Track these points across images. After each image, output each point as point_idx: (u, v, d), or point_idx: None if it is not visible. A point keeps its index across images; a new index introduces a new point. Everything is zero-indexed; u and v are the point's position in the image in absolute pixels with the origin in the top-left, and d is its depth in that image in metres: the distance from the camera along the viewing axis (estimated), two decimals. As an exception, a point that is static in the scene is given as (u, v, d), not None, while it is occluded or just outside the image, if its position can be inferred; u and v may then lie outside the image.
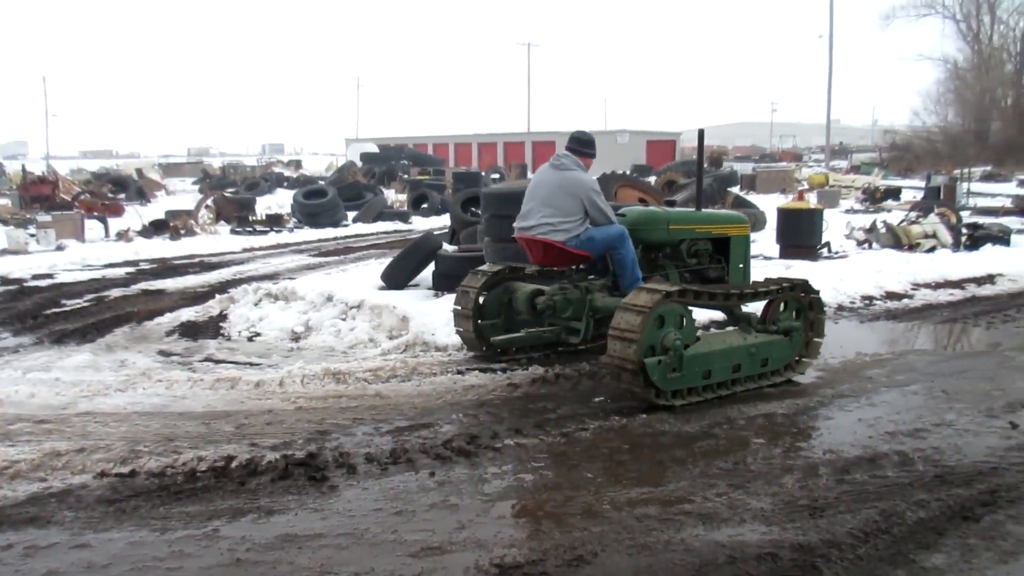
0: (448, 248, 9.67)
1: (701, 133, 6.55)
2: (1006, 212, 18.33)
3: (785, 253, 11.81)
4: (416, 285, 9.22)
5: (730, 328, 6.04)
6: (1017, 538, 3.42)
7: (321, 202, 18.18)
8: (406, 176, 30.54)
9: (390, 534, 3.44)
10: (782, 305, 5.92)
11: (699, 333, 5.51)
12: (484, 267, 6.70)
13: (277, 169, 45.38)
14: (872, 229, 13.17)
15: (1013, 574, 3.17)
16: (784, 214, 12.34)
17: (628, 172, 26.64)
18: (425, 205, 21.47)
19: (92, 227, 16.30)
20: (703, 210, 6.72)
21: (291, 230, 17.61)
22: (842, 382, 5.82)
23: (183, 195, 30.09)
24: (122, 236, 15.41)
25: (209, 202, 19.62)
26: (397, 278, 9.10)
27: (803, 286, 5.93)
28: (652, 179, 24.80)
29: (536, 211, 5.98)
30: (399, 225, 18.73)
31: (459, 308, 6.44)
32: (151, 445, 4.50)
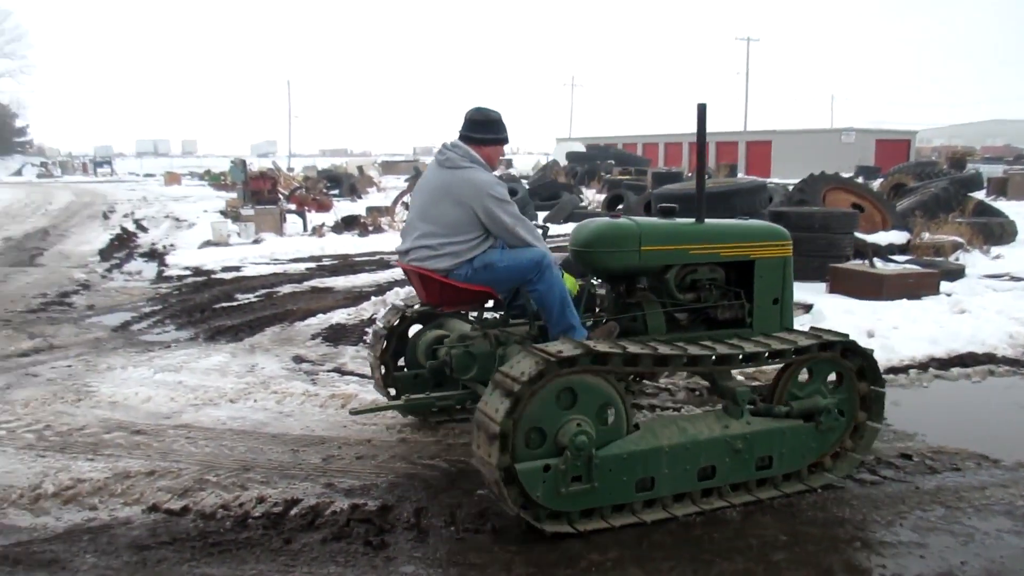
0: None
1: (701, 109, 4.21)
2: None
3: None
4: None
5: (704, 409, 4.20)
6: None
7: (510, 201, 17.79)
8: (607, 176, 29.71)
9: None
10: (805, 373, 4.00)
11: (640, 419, 3.69)
12: (406, 297, 5.11)
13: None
14: None
15: None
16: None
17: (848, 174, 24.10)
18: (620, 206, 20.50)
19: (294, 222, 16.93)
20: (710, 221, 4.35)
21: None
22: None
23: (393, 192, 31.17)
24: (316, 231, 15.82)
25: (406, 198, 19.90)
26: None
27: (844, 344, 3.92)
28: (877, 182, 22.19)
29: (412, 228, 4.17)
30: (589, 227, 17.93)
31: (370, 354, 4.92)
32: (223, 475, 4.01)
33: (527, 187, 20.41)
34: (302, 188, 24.57)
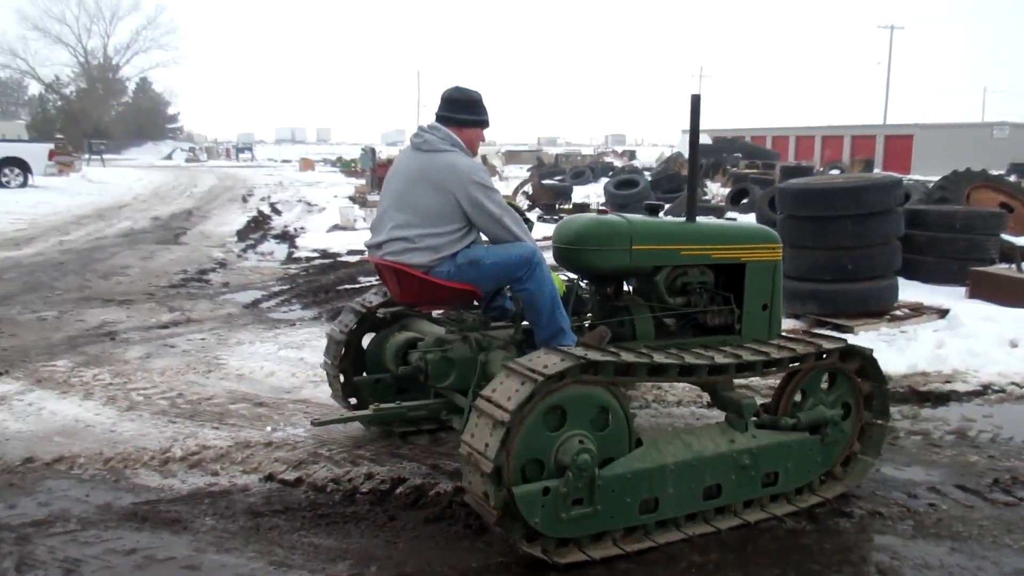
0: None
1: (694, 100, 3.86)
2: None
3: None
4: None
5: (708, 424, 3.80)
6: None
7: (631, 192, 17.58)
8: (733, 169, 28.89)
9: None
10: (809, 382, 3.70)
11: (643, 436, 3.32)
12: (369, 296, 4.52)
13: (608, 159, 45.91)
14: None
15: None
16: None
17: (999, 172, 22.46)
18: (745, 201, 19.89)
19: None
20: (701, 220, 4.06)
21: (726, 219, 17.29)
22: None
23: (514, 181, 31.44)
24: None
25: (527, 188, 20.04)
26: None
27: (846, 350, 3.69)
28: (1032, 181, 20.57)
29: (386, 219, 3.72)
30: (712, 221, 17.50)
31: (326, 361, 4.46)
32: (335, 450, 4.16)
33: (648, 179, 20.10)
34: (426, 176, 25.15)
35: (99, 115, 64.14)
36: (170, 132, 77.60)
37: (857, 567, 3.11)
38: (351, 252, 12.12)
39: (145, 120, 72.19)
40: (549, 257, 3.82)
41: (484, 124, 3.85)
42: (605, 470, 3.06)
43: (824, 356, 3.66)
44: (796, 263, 6.93)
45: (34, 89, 68.11)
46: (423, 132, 3.74)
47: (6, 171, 22.27)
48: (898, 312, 7.00)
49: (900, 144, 48.94)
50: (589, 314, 4.10)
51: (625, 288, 4.15)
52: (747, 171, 26.22)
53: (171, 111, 79.83)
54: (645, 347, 3.41)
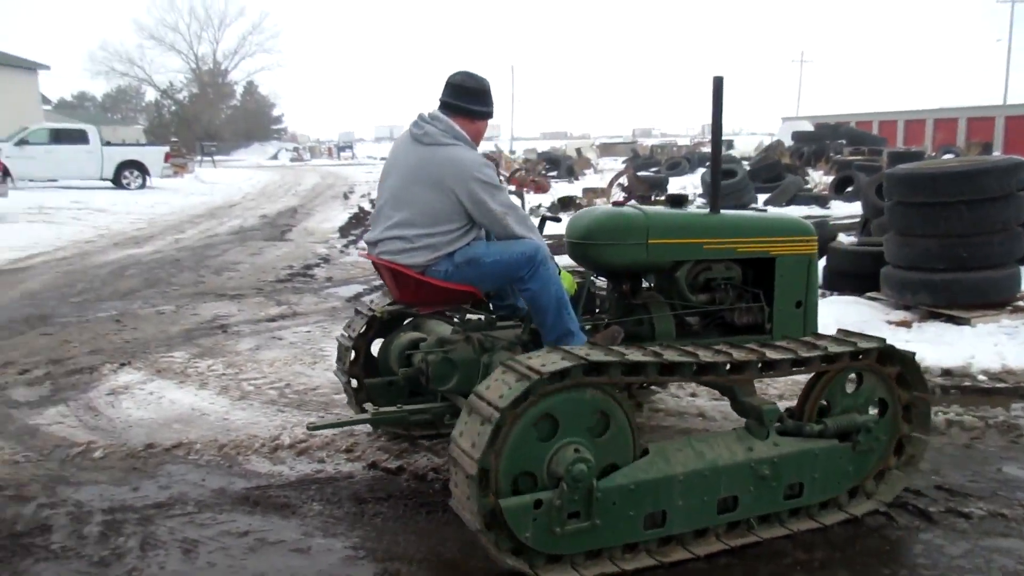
0: (845, 240, 8.18)
1: (717, 83, 3.61)
2: None
3: None
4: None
5: (724, 430, 3.54)
6: None
7: (727, 183, 17.11)
8: (836, 156, 27.85)
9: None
10: (843, 385, 3.38)
11: (650, 443, 3.04)
12: (376, 298, 4.41)
13: (705, 149, 44.96)
14: None
15: None
16: None
17: None
18: (849, 188, 19.15)
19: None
20: (726, 212, 3.83)
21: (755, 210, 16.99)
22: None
23: (609, 173, 31.20)
24: (532, 213, 16.19)
25: (622, 180, 19.86)
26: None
27: (884, 351, 3.33)
28: None
29: (382, 216, 3.54)
30: (814, 210, 16.90)
31: (337, 367, 4.36)
32: (435, 441, 4.23)
33: (747, 168, 19.60)
34: (522, 170, 25.23)
35: (210, 118, 67.21)
36: (275, 133, 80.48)
37: (979, 573, 2.96)
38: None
39: (252, 122, 75.18)
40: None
41: (485, 115, 3.59)
42: (604, 481, 2.82)
43: (859, 357, 3.32)
44: (906, 252, 6.62)
45: (150, 96, 71.96)
46: (423, 122, 3.49)
47: (126, 174, 23.60)
48: (1021, 303, 6.60)
49: (1022, 125, 46.04)
50: (604, 313, 3.93)
51: (645, 285, 3.95)
52: (852, 158, 25.23)
53: (276, 112, 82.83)
54: (660, 346, 3.15)
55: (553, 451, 2.78)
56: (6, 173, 16.38)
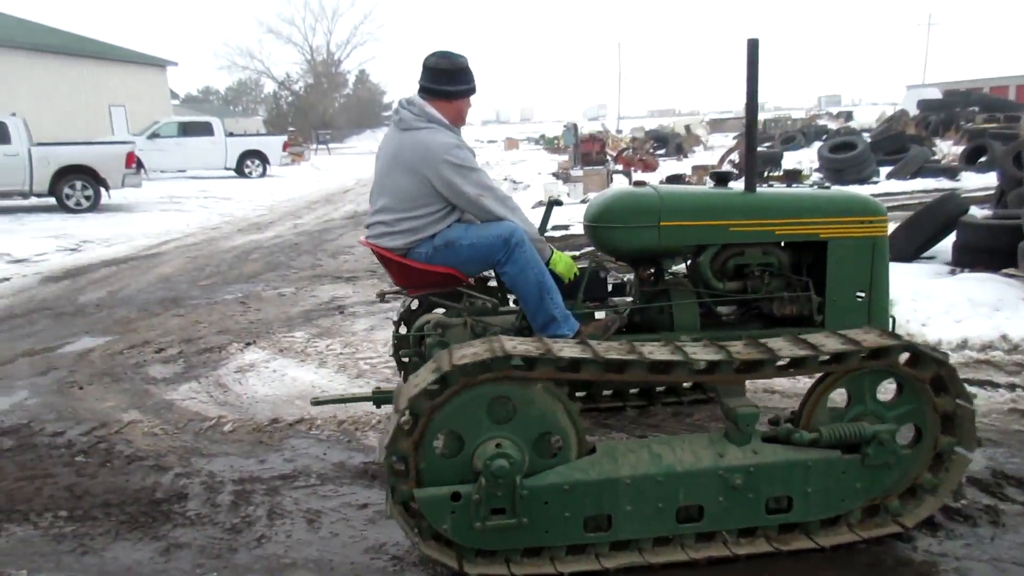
0: (978, 213, 7.70)
1: (752, 45, 3.27)
2: None
3: None
4: (931, 258, 7.63)
5: (694, 433, 3.25)
6: None
7: (847, 156, 16.39)
8: (968, 125, 26.17)
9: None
10: (849, 388, 2.89)
11: (598, 441, 2.86)
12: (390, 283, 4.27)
13: (822, 122, 43.12)
14: None
15: None
16: None
17: None
18: (983, 159, 17.95)
19: (620, 181, 17.26)
20: (763, 191, 3.47)
21: (810, 187, 16.34)
22: None
23: (720, 150, 30.45)
24: (570, 195, 15.97)
25: (733, 156, 19.35)
26: (904, 247, 7.55)
27: (914, 353, 2.83)
28: None
29: (372, 201, 3.64)
30: (942, 183, 15.94)
31: (390, 345, 4.34)
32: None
33: (868, 140, 18.70)
34: (629, 149, 24.96)
35: (324, 107, 69.47)
36: (385, 120, 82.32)
37: None
38: (555, 227, 12.31)
39: (364, 109, 77.24)
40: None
41: (471, 91, 3.55)
42: (532, 479, 2.70)
43: (875, 356, 2.82)
44: (1047, 225, 6.18)
45: (268, 87, 74.93)
46: (400, 108, 3.52)
47: (248, 163, 24.74)
48: None
49: None
50: (628, 300, 3.76)
51: (674, 269, 3.73)
52: (985, 126, 23.67)
53: (386, 100, 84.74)
54: (637, 342, 2.88)
55: (476, 446, 2.71)
56: (140, 165, 17.44)
